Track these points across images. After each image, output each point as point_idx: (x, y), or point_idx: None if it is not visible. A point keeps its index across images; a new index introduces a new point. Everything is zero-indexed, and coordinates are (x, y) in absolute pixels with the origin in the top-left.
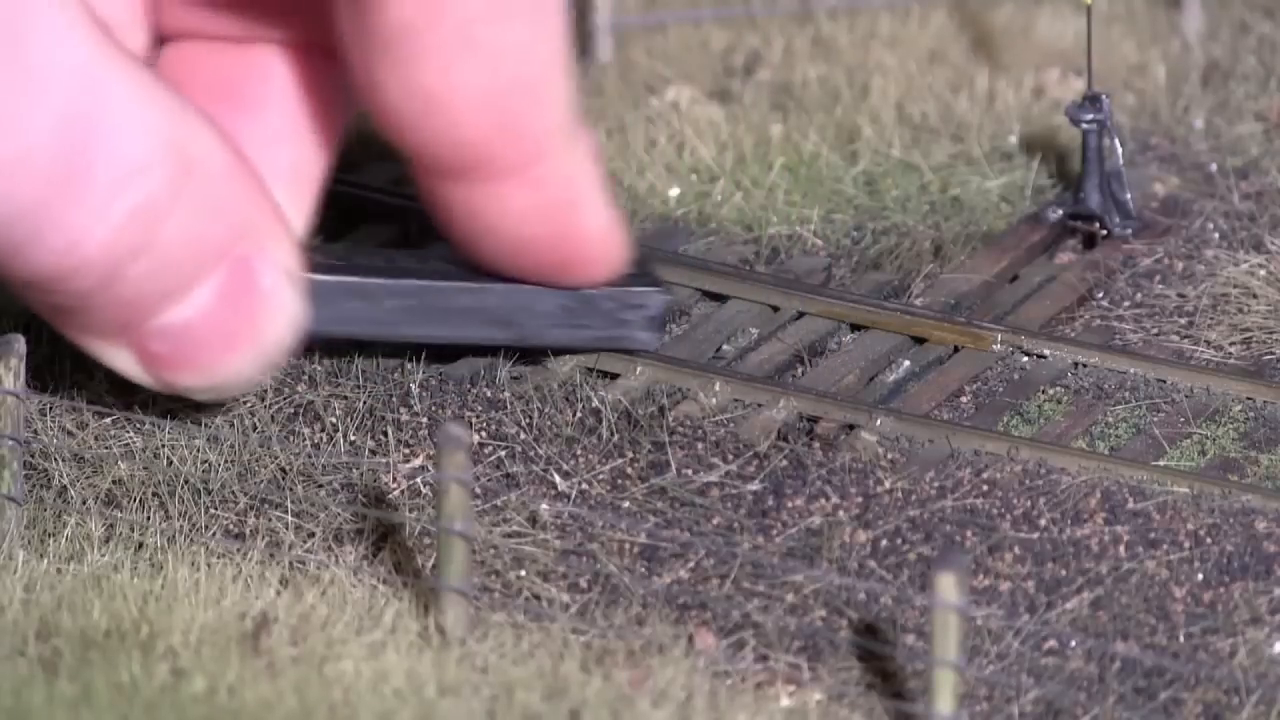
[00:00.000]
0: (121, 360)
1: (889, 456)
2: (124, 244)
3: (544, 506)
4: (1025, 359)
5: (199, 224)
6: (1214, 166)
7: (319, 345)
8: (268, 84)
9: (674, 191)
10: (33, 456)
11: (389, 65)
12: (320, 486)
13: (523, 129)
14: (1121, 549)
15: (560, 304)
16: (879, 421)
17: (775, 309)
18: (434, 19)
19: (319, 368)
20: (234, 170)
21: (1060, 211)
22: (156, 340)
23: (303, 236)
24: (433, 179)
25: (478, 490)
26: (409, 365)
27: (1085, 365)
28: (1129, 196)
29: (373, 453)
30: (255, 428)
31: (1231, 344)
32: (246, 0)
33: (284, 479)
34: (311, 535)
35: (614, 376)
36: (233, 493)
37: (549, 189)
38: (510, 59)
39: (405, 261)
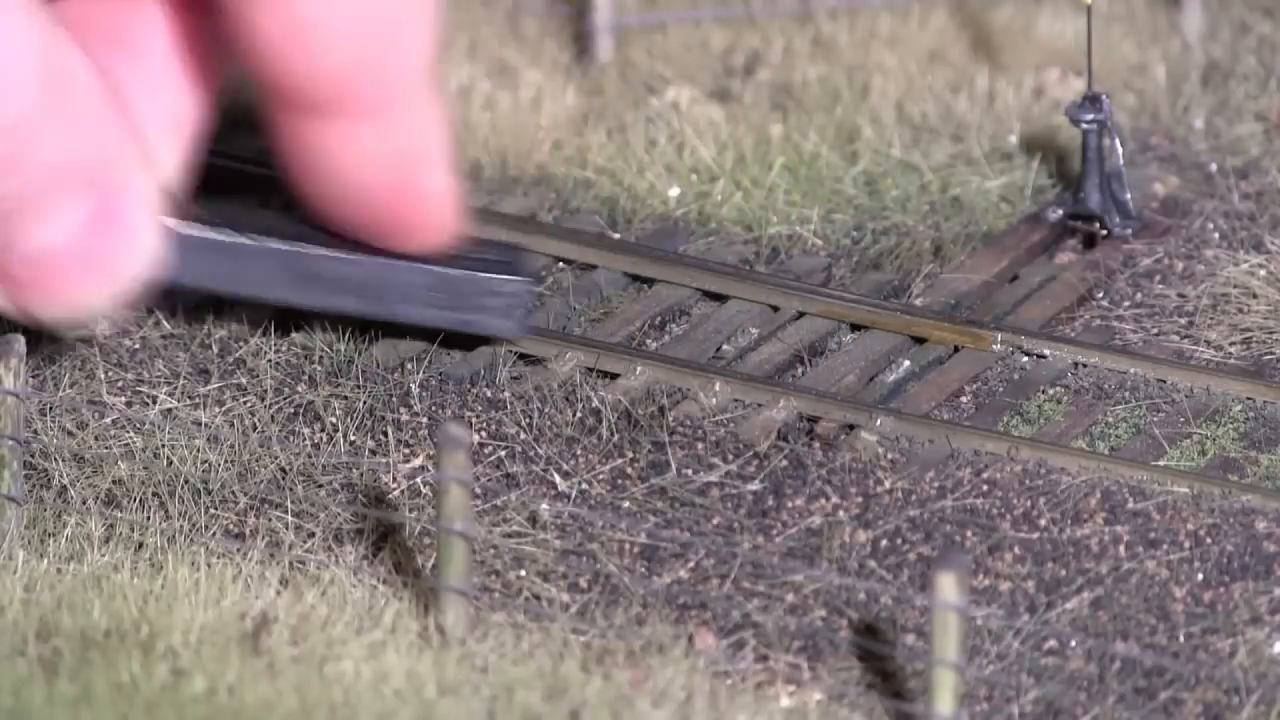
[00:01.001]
0: None
1: (889, 456)
2: None
3: (544, 506)
4: (1025, 359)
5: (70, 147)
6: (1214, 166)
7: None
8: (148, 32)
9: (674, 191)
10: (33, 456)
11: None
12: (320, 486)
13: (385, 69)
14: (1121, 549)
15: (422, 282)
16: (879, 421)
17: (775, 309)
18: None
19: (319, 368)
20: (107, 103)
21: (1060, 211)
22: (19, 265)
23: (179, 188)
24: (289, 115)
25: (478, 490)
26: (409, 365)
27: (1085, 365)
28: (1129, 196)
29: (373, 453)
30: (255, 428)
31: (1231, 344)
32: None
33: (284, 479)
34: (311, 535)
35: (614, 376)
36: (233, 493)
37: (399, 138)
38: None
39: (283, 225)
